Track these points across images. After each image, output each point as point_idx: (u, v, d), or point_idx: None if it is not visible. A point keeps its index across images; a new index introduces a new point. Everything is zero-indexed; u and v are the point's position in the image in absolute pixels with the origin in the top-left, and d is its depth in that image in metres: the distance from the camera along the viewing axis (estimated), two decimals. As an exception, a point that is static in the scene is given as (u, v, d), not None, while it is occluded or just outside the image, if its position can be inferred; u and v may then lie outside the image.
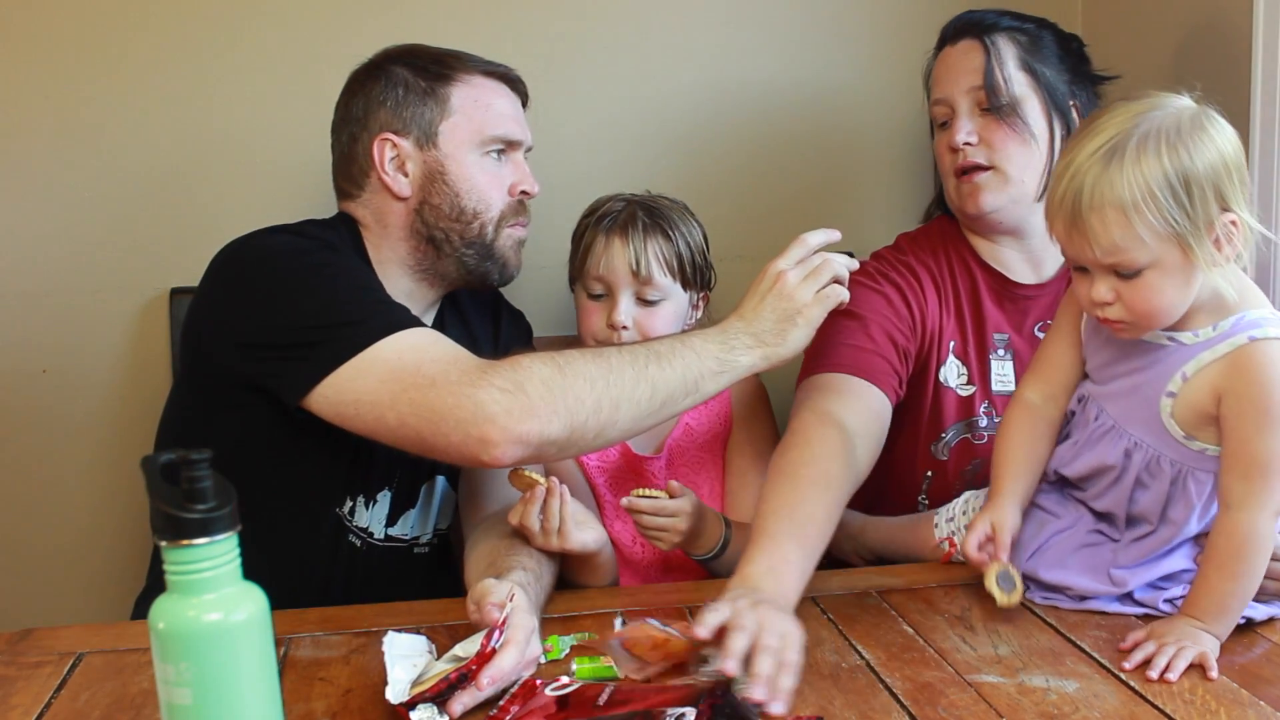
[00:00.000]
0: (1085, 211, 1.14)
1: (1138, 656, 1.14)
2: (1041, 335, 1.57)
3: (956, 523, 1.39)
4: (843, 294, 1.36)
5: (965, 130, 1.55)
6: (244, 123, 1.86)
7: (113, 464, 1.88)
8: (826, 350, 1.50)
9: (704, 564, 1.53)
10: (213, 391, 1.41)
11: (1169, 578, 1.25)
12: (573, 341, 1.87)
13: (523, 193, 1.56)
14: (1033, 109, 1.55)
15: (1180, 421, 1.21)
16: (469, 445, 1.22)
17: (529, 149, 1.60)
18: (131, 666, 1.21)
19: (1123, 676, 1.13)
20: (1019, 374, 1.57)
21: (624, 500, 1.43)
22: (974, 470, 1.59)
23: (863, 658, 1.19)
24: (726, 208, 1.95)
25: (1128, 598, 1.26)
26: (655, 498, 1.42)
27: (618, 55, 1.95)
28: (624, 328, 1.59)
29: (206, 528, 0.86)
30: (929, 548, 1.42)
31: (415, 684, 1.09)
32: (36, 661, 1.23)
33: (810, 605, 1.33)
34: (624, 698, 1.06)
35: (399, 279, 1.54)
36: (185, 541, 0.86)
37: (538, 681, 1.10)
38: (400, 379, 1.25)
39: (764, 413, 1.71)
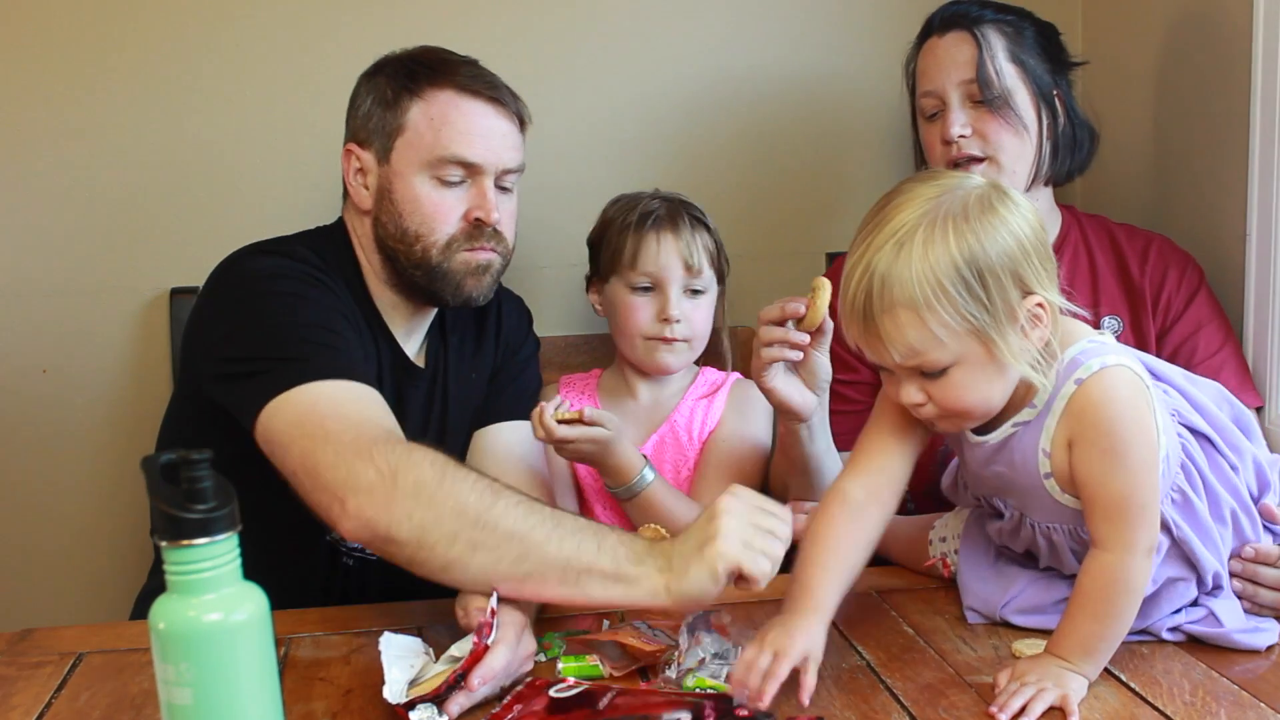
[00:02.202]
0: (877, 314, 1.06)
1: (1002, 700, 1.06)
2: None
3: (949, 544, 1.39)
4: (766, 569, 1.13)
5: (959, 123, 1.57)
6: (244, 123, 1.86)
7: (113, 464, 1.88)
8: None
9: (618, 498, 1.54)
10: (202, 409, 1.39)
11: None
12: (587, 341, 1.88)
13: (478, 220, 1.47)
14: (1023, 99, 1.57)
15: (1074, 493, 1.15)
16: (330, 509, 1.16)
17: (506, 172, 1.50)
18: (131, 666, 1.21)
19: (1123, 677, 1.13)
20: None
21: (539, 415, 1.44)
22: (945, 451, 1.58)
23: (863, 658, 1.19)
24: (725, 206, 1.94)
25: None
26: (567, 418, 1.44)
27: (612, 55, 1.95)
28: (677, 320, 1.63)
29: (206, 528, 0.86)
30: (922, 565, 1.41)
31: (413, 684, 1.10)
32: (36, 661, 1.23)
33: (810, 606, 1.33)
34: (624, 702, 1.06)
35: (382, 291, 1.52)
36: (185, 541, 0.86)
37: (542, 681, 1.10)
38: (303, 426, 1.21)
39: (755, 416, 1.71)
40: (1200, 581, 1.21)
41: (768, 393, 1.44)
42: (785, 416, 1.48)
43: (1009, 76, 1.56)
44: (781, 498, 1.60)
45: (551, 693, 1.08)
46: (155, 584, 1.46)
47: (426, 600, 1.40)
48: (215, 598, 0.87)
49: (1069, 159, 1.63)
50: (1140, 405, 1.11)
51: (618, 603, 1.14)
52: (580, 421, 1.44)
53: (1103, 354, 1.12)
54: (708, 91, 1.97)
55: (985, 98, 1.55)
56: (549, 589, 1.14)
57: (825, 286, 1.36)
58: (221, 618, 0.87)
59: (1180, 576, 1.20)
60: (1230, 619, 1.20)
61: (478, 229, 1.47)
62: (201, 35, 1.84)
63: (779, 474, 1.60)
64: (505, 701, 1.08)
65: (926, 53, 1.63)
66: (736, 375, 1.76)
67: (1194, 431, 1.20)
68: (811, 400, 1.45)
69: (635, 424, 1.72)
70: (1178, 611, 1.21)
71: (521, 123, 1.53)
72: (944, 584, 1.38)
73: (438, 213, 1.46)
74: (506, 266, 1.54)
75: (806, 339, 1.39)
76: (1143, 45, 1.84)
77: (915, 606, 1.32)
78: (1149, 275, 1.63)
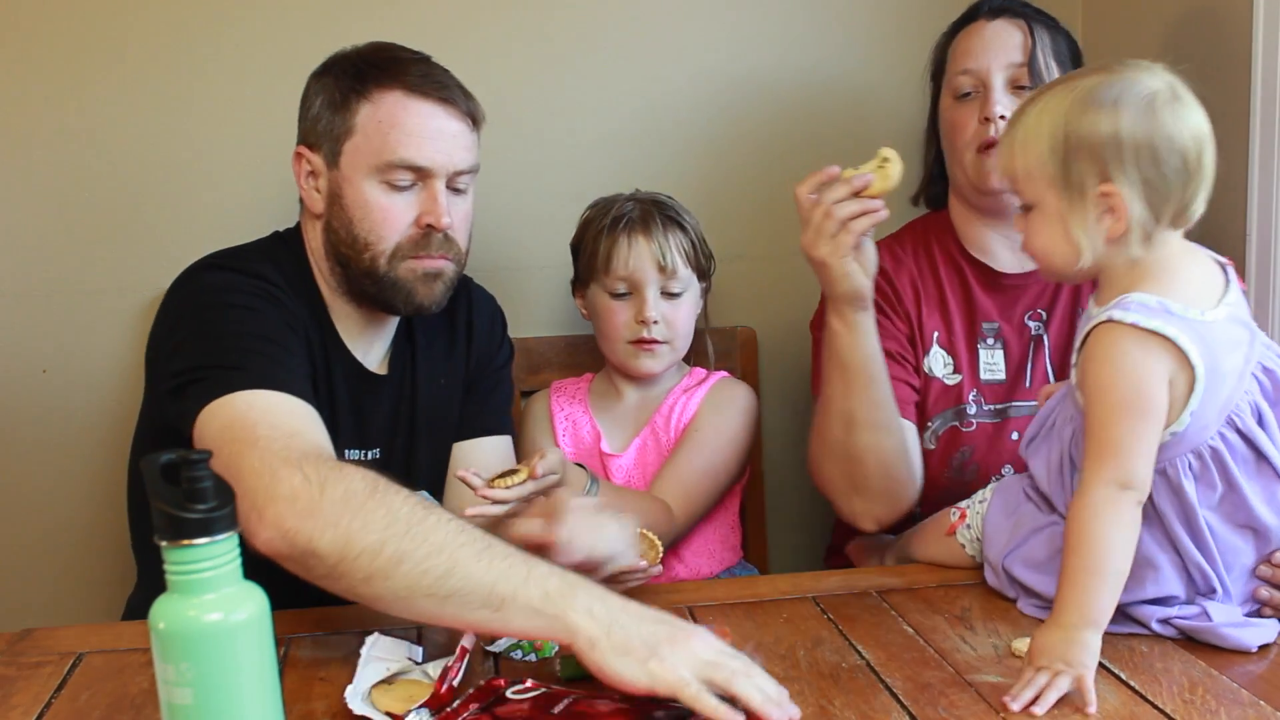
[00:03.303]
0: (1003, 137, 1.23)
1: (1015, 689, 1.08)
2: (1032, 324, 1.61)
3: (972, 506, 1.39)
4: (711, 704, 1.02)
5: (1004, 103, 1.56)
6: (244, 125, 1.86)
7: (112, 464, 1.88)
8: None
9: None
10: (162, 430, 1.34)
11: (1159, 601, 1.22)
12: (587, 342, 1.87)
13: (429, 226, 1.43)
14: None
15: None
16: (248, 518, 1.08)
17: (458, 173, 1.45)
18: (131, 666, 1.21)
19: (1122, 675, 1.13)
20: (1008, 363, 1.60)
21: (484, 492, 1.34)
22: (962, 458, 1.59)
23: (863, 658, 1.19)
24: (725, 206, 1.94)
25: (1118, 614, 1.17)
26: (518, 483, 1.35)
27: (608, 53, 1.95)
28: (655, 322, 1.64)
29: (207, 528, 0.86)
30: (943, 528, 1.42)
31: (382, 684, 1.10)
32: (36, 661, 1.23)
33: (810, 605, 1.33)
34: (580, 710, 1.05)
35: (335, 300, 1.49)
36: (185, 541, 0.86)
37: (501, 681, 1.10)
38: (232, 430, 1.17)
39: (732, 415, 1.70)
40: (1190, 580, 1.21)
41: (845, 276, 1.39)
42: (851, 304, 1.42)
43: (1054, 71, 1.57)
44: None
45: (509, 694, 1.08)
46: (141, 598, 1.44)
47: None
48: (215, 598, 0.87)
49: None
50: (1143, 360, 1.13)
51: (542, 635, 1.07)
52: (532, 478, 1.37)
53: (1146, 314, 1.13)
54: (704, 91, 1.97)
55: (1030, 85, 1.55)
56: (471, 612, 1.06)
57: (895, 156, 1.39)
58: (221, 618, 0.87)
59: (1158, 561, 1.20)
60: (1221, 616, 1.20)
61: (427, 236, 1.43)
62: (200, 37, 1.84)
63: (831, 394, 1.48)
64: (460, 702, 1.07)
65: (972, 34, 1.62)
66: (722, 374, 1.76)
67: (1246, 439, 1.18)
68: (870, 285, 1.43)
69: (623, 427, 1.72)
70: (1171, 606, 1.22)
71: (474, 122, 1.48)
72: (944, 584, 1.38)
73: (387, 219, 1.42)
74: (461, 271, 1.51)
75: (882, 206, 1.38)
76: (1143, 45, 1.84)
77: (915, 606, 1.32)
78: None
